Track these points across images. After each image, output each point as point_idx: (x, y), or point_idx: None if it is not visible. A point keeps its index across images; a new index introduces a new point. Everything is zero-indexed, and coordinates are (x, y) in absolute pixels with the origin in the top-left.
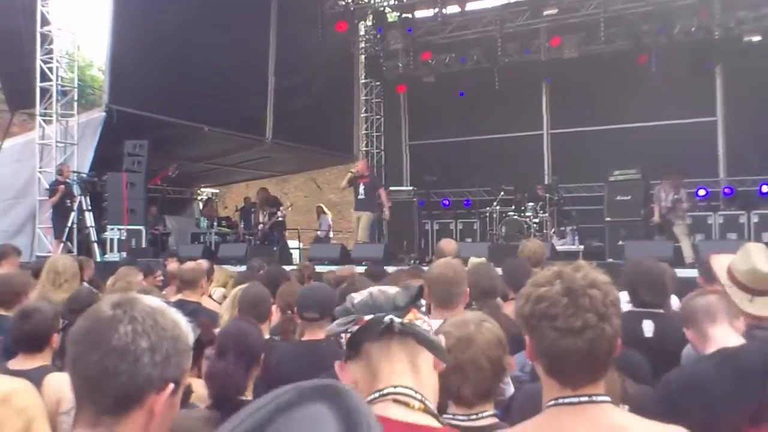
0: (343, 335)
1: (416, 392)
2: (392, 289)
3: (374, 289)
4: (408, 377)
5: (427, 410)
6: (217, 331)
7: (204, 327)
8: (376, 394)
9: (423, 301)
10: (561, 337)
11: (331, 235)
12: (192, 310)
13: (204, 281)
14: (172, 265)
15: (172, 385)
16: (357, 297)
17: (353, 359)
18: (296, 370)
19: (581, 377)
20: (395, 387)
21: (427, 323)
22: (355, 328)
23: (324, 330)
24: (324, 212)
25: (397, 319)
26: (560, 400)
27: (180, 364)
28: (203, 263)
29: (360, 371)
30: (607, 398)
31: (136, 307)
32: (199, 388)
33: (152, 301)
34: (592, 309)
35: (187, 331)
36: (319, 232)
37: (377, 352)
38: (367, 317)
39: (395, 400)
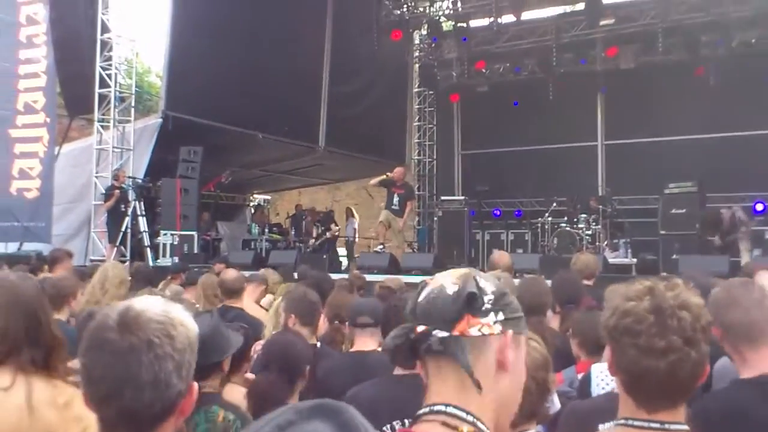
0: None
1: (468, 413)
2: (452, 288)
3: (434, 288)
4: (460, 397)
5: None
6: (260, 342)
7: (245, 338)
8: (427, 409)
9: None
10: (641, 356)
11: (357, 239)
12: (234, 317)
13: (251, 287)
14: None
15: (196, 385)
16: (423, 295)
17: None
18: (343, 382)
19: (659, 400)
20: (446, 406)
21: (487, 326)
22: (411, 336)
23: (374, 339)
24: (353, 215)
25: (439, 335)
26: (630, 422)
27: (195, 359)
28: (258, 274)
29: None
30: (684, 427)
31: (148, 328)
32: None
33: (155, 310)
34: (679, 331)
35: (193, 325)
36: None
37: (430, 364)
38: (420, 328)
39: (444, 423)
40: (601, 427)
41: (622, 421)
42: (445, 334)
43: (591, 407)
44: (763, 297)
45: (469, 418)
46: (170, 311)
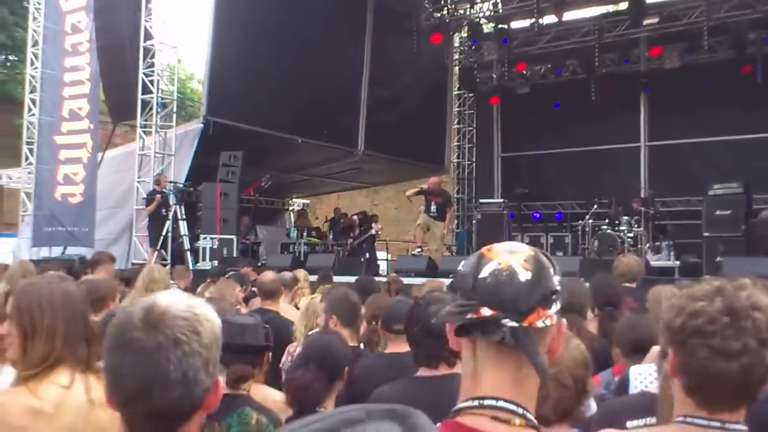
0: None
1: (518, 406)
2: (524, 275)
3: (505, 268)
4: (513, 388)
5: (529, 425)
6: (292, 344)
7: (267, 338)
8: (476, 403)
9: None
10: (714, 358)
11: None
12: (268, 320)
13: (288, 290)
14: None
15: (221, 380)
16: (486, 271)
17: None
18: (380, 383)
19: (724, 402)
20: (497, 401)
21: (550, 318)
22: (470, 316)
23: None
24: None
25: (511, 325)
26: (689, 419)
27: (219, 354)
28: (288, 274)
29: (464, 362)
30: (743, 427)
31: (174, 326)
32: (268, 395)
33: (180, 306)
34: (754, 332)
35: (217, 320)
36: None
37: (485, 352)
38: (485, 311)
39: (494, 417)
40: (629, 423)
41: (681, 419)
42: (515, 324)
43: (623, 404)
44: None
45: (520, 410)
46: (195, 307)
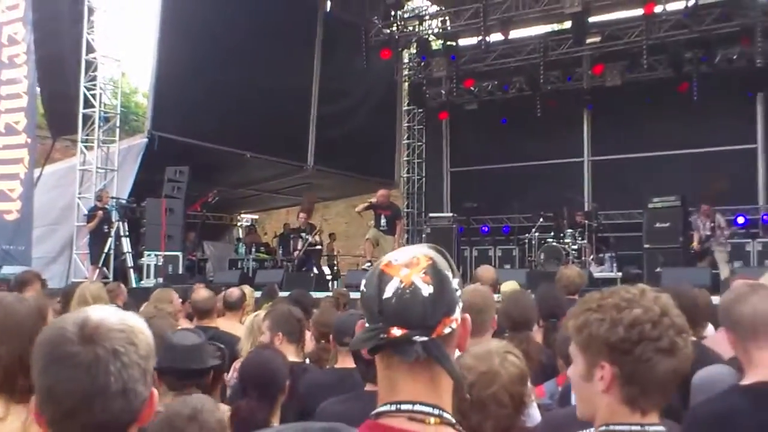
0: None
1: (434, 407)
2: (427, 289)
3: (407, 285)
4: (428, 393)
5: (444, 422)
6: (238, 360)
7: (223, 357)
8: (393, 407)
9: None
10: (665, 358)
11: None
12: (211, 336)
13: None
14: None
15: (155, 391)
16: (389, 291)
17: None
18: (326, 399)
19: (658, 400)
20: (413, 404)
21: (455, 321)
22: (383, 337)
23: None
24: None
25: (422, 340)
26: (611, 427)
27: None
28: (237, 291)
29: (380, 376)
30: (661, 428)
31: (112, 338)
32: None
33: (113, 319)
34: (683, 329)
35: (149, 332)
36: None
37: (399, 366)
38: (395, 331)
39: (411, 418)
40: None
41: (603, 428)
42: (425, 338)
43: (567, 415)
44: None
45: (436, 411)
46: (128, 319)
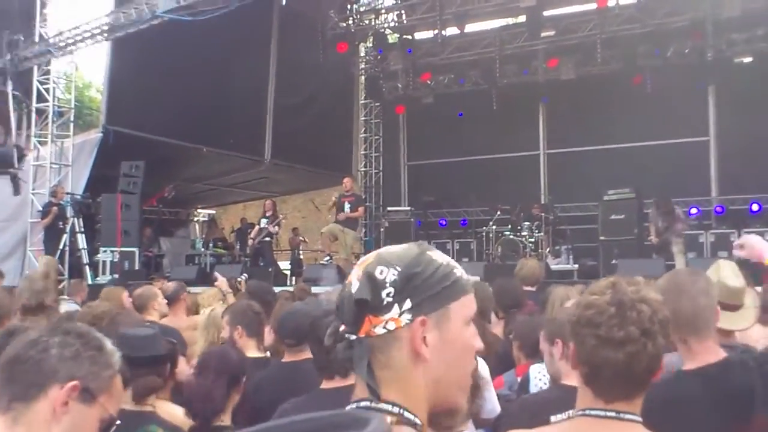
0: None
1: (394, 405)
2: (355, 286)
3: (348, 281)
4: (389, 389)
5: (403, 422)
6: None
7: (169, 344)
8: (353, 406)
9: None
10: (601, 346)
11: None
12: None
13: (156, 303)
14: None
15: (76, 383)
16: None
17: None
18: (273, 394)
19: (616, 391)
20: (371, 401)
21: (392, 321)
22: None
23: (304, 352)
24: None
25: (352, 337)
26: (588, 411)
27: (95, 373)
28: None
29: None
30: (637, 418)
31: (70, 324)
32: (175, 413)
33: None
34: (638, 323)
35: (113, 353)
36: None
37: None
38: (342, 328)
39: None
40: (553, 418)
41: (580, 413)
42: (353, 336)
43: (544, 399)
44: (710, 286)
45: (395, 409)
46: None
